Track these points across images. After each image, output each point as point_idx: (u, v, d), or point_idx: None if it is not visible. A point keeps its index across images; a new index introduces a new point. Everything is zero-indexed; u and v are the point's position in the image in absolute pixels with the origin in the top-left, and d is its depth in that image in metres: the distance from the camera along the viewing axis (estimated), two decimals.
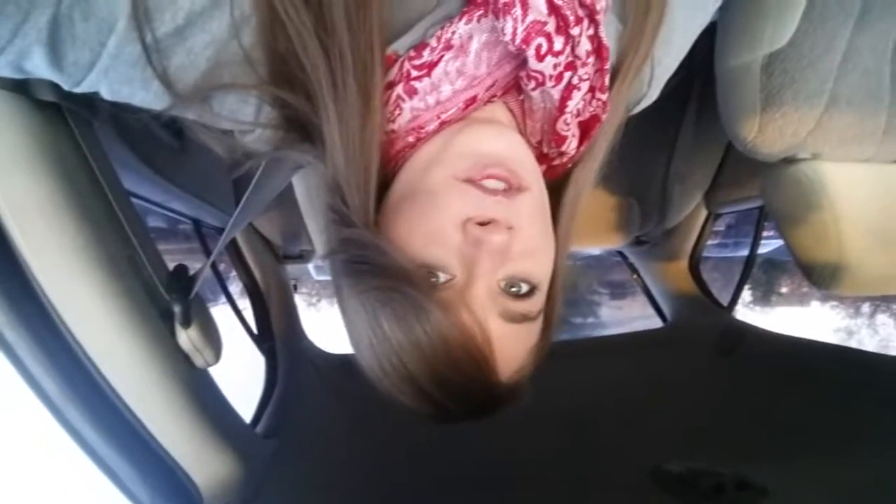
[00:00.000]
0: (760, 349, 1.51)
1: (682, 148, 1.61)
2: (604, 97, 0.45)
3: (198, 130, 0.44)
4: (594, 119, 0.47)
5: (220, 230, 1.63)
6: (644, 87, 0.54)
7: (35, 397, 0.53)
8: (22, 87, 0.49)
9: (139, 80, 0.39)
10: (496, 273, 0.42)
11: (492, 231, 0.40)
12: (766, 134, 0.85)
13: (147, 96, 0.40)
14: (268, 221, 1.73)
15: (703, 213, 1.81)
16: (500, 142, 0.44)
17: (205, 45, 0.39)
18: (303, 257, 2.07)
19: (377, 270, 0.41)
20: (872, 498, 0.84)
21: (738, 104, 0.86)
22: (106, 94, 0.40)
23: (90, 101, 0.62)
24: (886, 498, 0.82)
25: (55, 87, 0.46)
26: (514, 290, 0.44)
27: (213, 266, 1.60)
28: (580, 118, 0.46)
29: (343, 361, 1.80)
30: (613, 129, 0.50)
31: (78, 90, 0.39)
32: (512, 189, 0.42)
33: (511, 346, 0.44)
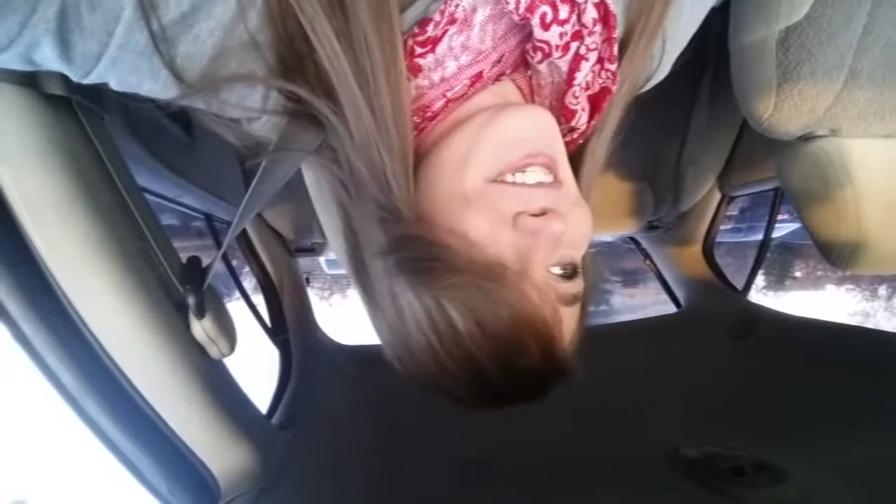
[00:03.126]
0: (776, 332, 1.49)
1: (696, 130, 1.59)
2: (613, 68, 0.44)
3: (207, 120, 0.44)
4: (604, 91, 0.45)
5: (231, 223, 1.64)
6: (655, 61, 0.53)
7: (53, 389, 0.54)
8: (32, 82, 0.49)
9: (147, 69, 0.38)
10: (549, 261, 0.43)
11: (549, 220, 0.40)
12: (782, 111, 0.83)
13: (155, 86, 0.40)
14: (279, 215, 1.74)
15: (717, 197, 1.79)
16: (526, 127, 0.42)
17: (210, 32, 0.38)
18: (314, 250, 2.08)
19: (449, 266, 0.40)
20: (891, 476, 0.83)
21: (753, 82, 0.84)
22: (114, 85, 0.40)
23: (100, 95, 0.62)
24: None
25: (65, 80, 0.46)
26: (563, 272, 0.44)
27: (227, 261, 1.62)
28: (589, 91, 0.45)
29: (356, 353, 1.80)
30: (624, 102, 0.49)
31: (86, 81, 0.39)
32: (555, 180, 0.42)
33: (566, 326, 0.45)
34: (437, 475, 1.03)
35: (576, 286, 0.45)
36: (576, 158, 0.50)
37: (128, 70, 0.38)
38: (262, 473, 0.67)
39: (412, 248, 0.41)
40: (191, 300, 0.60)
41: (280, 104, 0.43)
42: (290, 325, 1.63)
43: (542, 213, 0.40)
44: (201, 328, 0.61)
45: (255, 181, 0.49)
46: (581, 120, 0.47)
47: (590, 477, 0.94)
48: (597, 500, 0.86)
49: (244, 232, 1.66)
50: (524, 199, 0.41)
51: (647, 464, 0.97)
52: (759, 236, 1.78)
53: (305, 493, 0.77)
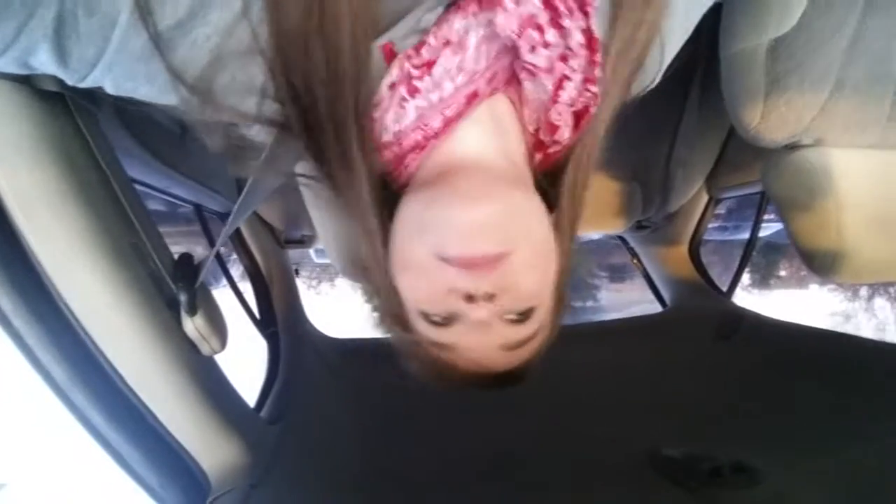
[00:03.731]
0: (757, 334, 1.52)
1: (685, 132, 1.60)
2: (594, 89, 0.45)
3: (199, 124, 0.45)
4: (586, 109, 0.47)
5: (222, 214, 1.63)
6: (654, 67, 0.53)
7: (44, 384, 0.54)
8: (26, 79, 0.49)
9: (143, 74, 0.39)
10: (492, 322, 0.46)
11: (473, 309, 0.44)
12: (770, 120, 0.85)
13: (151, 90, 0.40)
14: (269, 207, 1.73)
15: (705, 198, 1.81)
16: (474, 214, 0.43)
17: (207, 37, 0.38)
18: (304, 242, 2.07)
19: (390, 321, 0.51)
20: (865, 481, 0.86)
21: (742, 89, 0.86)
22: (110, 89, 0.40)
23: (93, 92, 0.62)
24: (879, 481, 0.84)
25: (58, 78, 0.46)
26: (515, 318, 0.47)
27: (217, 253, 1.61)
28: (574, 108, 0.46)
29: (345, 346, 1.81)
30: (609, 115, 0.49)
31: (82, 85, 0.39)
32: (491, 262, 0.43)
33: (514, 360, 0.50)
34: (422, 468, 1.05)
35: (524, 331, 0.48)
36: (560, 167, 0.51)
37: (124, 74, 0.38)
38: (251, 468, 0.68)
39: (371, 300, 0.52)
40: (183, 298, 0.60)
41: (274, 111, 0.44)
42: (278, 318, 1.63)
43: (471, 298, 0.43)
44: (193, 325, 0.62)
45: (247, 186, 0.50)
46: (564, 134, 0.48)
47: (571, 476, 0.96)
48: (578, 500, 0.87)
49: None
50: (458, 280, 0.43)
51: (629, 463, 0.99)
52: (746, 235, 1.81)
53: (295, 487, 0.78)
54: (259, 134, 0.46)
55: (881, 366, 1.14)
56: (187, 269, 0.63)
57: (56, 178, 0.52)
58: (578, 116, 0.47)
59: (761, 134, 0.88)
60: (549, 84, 0.44)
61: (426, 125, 0.46)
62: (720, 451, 0.92)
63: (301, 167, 0.50)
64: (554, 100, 0.45)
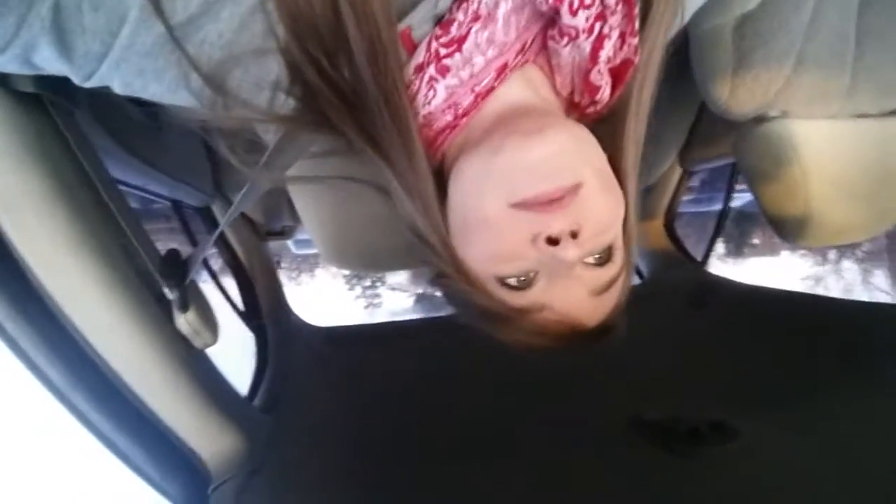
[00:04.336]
0: (732, 300, 1.57)
1: (658, 108, 1.63)
2: (634, 41, 0.44)
3: (205, 126, 0.44)
4: (626, 63, 0.46)
5: (199, 210, 1.62)
6: (679, 19, 0.52)
7: (42, 387, 0.54)
8: (1, 80, 0.48)
9: (151, 71, 0.38)
10: (577, 264, 0.46)
11: (562, 250, 0.42)
12: (738, 95, 0.88)
13: (160, 88, 0.40)
14: None
15: (678, 172, 1.85)
16: (538, 151, 0.42)
17: (218, 35, 0.38)
18: (284, 233, 2.06)
19: (469, 305, 0.49)
20: (829, 429, 0.91)
21: (711, 66, 0.88)
22: (118, 88, 0.39)
23: (69, 90, 0.61)
24: (848, 437, 0.89)
25: (35, 77, 0.45)
26: (599, 259, 0.47)
27: (195, 244, 1.60)
28: (611, 65, 0.46)
29: (331, 334, 1.82)
30: (657, 65, 0.49)
31: (88, 84, 0.39)
32: (568, 194, 0.42)
33: (604, 308, 0.50)
34: (412, 448, 1.07)
35: (608, 272, 0.47)
36: (617, 114, 0.50)
37: (132, 72, 0.38)
38: (249, 456, 0.70)
39: (443, 285, 0.50)
40: (174, 295, 0.61)
41: (287, 105, 0.44)
42: (264, 310, 1.63)
43: (557, 240, 0.42)
44: (185, 321, 0.62)
45: (249, 183, 0.50)
46: (605, 93, 0.48)
47: (555, 443, 0.99)
48: (564, 465, 0.91)
49: (212, 217, 1.65)
50: (538, 224, 0.42)
51: (612, 428, 1.03)
52: (719, 206, 1.86)
53: (292, 472, 0.80)
54: (266, 131, 0.46)
55: (847, 323, 1.20)
56: (175, 266, 0.64)
57: (39, 181, 0.52)
58: (618, 72, 0.46)
59: (730, 108, 0.91)
60: (588, 46, 0.44)
61: (457, 104, 0.46)
62: (698, 413, 0.97)
63: (302, 163, 0.50)
64: (594, 61, 0.45)
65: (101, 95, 0.42)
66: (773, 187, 0.96)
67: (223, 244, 1.66)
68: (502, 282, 0.47)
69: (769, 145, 0.93)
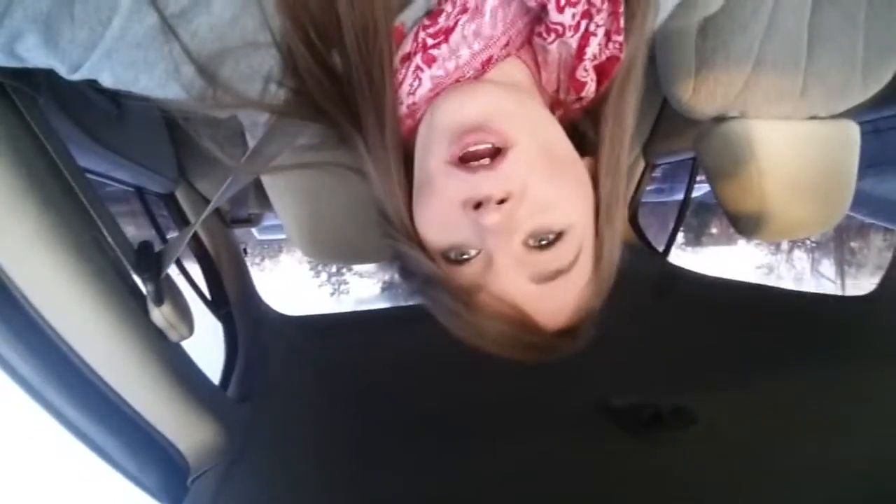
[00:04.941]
0: (693, 290, 1.64)
1: None
2: (620, 38, 0.45)
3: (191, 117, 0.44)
4: (612, 60, 0.46)
5: (163, 196, 1.58)
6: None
7: (13, 383, 0.54)
8: None
9: (142, 63, 0.38)
10: (511, 240, 0.44)
11: (483, 214, 0.41)
12: (700, 94, 0.92)
13: (150, 81, 0.39)
14: (214, 186, 1.68)
15: (642, 165, 1.91)
16: (470, 104, 0.43)
17: (209, 28, 0.38)
18: (251, 220, 2.03)
19: (415, 276, 0.47)
20: (781, 408, 0.98)
21: (675, 66, 0.92)
22: (108, 80, 0.39)
23: (31, 77, 0.59)
24: (795, 416, 0.96)
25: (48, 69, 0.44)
26: (542, 242, 0.44)
27: (160, 232, 1.56)
28: (596, 62, 0.46)
29: (301, 323, 1.82)
30: (641, 62, 0.48)
31: (76, 76, 0.38)
32: (498, 152, 0.42)
33: (551, 303, 0.47)
34: (382, 433, 1.09)
35: (556, 255, 0.45)
36: (595, 115, 0.50)
37: (123, 64, 0.38)
38: (227, 447, 0.70)
39: (403, 260, 0.48)
40: (149, 288, 0.60)
41: (279, 96, 0.44)
42: (231, 298, 1.61)
43: (481, 204, 0.41)
44: (160, 314, 0.62)
45: (229, 181, 0.50)
46: (590, 89, 0.48)
47: (524, 427, 1.03)
48: (531, 450, 0.94)
49: (176, 203, 1.61)
50: (465, 183, 0.42)
51: (578, 413, 1.07)
52: (680, 196, 1.93)
53: (273, 460, 0.81)
54: (255, 125, 0.46)
55: (796, 312, 1.28)
56: (150, 259, 0.63)
57: (7, 172, 0.51)
58: (603, 69, 0.47)
59: (693, 107, 0.94)
60: (574, 42, 0.44)
61: (440, 95, 0.46)
62: (660, 398, 1.02)
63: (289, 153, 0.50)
64: (579, 58, 0.45)
65: (62, 81, 0.41)
66: (731, 184, 1.01)
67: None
68: (444, 256, 0.46)
69: (728, 144, 0.98)
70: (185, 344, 0.74)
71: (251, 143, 0.56)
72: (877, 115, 1.46)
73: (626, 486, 0.84)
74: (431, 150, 0.44)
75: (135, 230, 1.62)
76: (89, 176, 1.06)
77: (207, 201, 1.72)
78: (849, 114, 0.99)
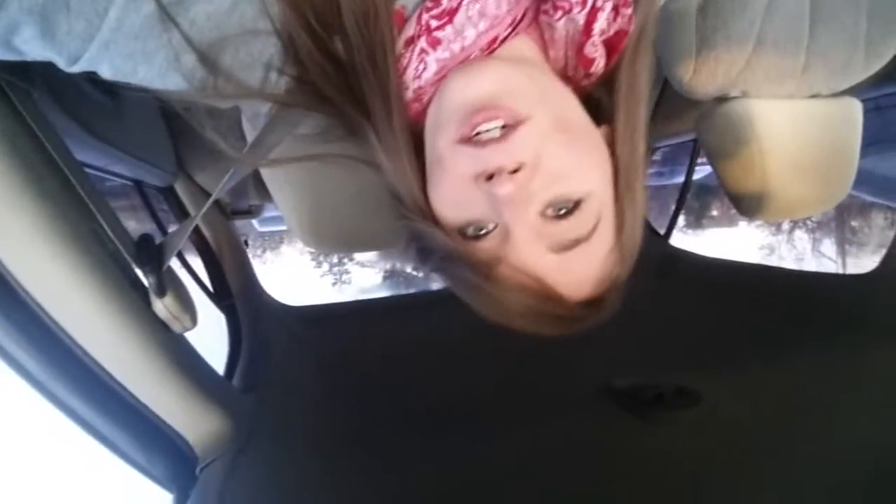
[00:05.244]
0: (694, 272, 1.65)
1: None
2: (628, 11, 0.44)
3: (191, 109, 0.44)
4: (621, 34, 0.45)
5: (163, 190, 1.58)
6: None
7: (21, 379, 0.54)
8: None
9: (141, 53, 0.37)
10: (528, 211, 0.43)
11: (496, 185, 0.40)
12: (700, 75, 0.90)
13: (149, 72, 0.39)
14: (214, 178, 1.68)
15: None
16: (479, 83, 0.42)
17: (207, 16, 0.38)
18: (251, 212, 2.03)
19: (433, 255, 0.46)
20: (781, 389, 0.99)
21: (675, 47, 0.91)
22: (107, 72, 0.38)
23: (26, 71, 0.59)
24: (796, 397, 0.96)
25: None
26: (560, 211, 0.44)
27: (161, 226, 1.56)
28: (605, 36, 0.45)
29: (304, 313, 1.82)
30: (651, 34, 0.47)
31: (75, 69, 0.38)
32: (508, 127, 0.41)
33: (573, 273, 0.46)
34: (387, 422, 1.10)
35: (574, 224, 0.44)
36: (609, 83, 0.48)
37: (121, 55, 0.37)
38: (234, 436, 0.71)
39: (420, 240, 0.47)
40: (151, 280, 0.60)
41: (280, 84, 0.43)
42: (234, 290, 1.62)
43: (493, 176, 0.41)
44: (163, 306, 0.62)
45: (231, 172, 0.50)
46: (599, 65, 0.47)
47: (530, 410, 1.03)
48: (534, 436, 0.95)
49: (176, 197, 1.61)
50: (474, 159, 0.41)
51: (583, 395, 1.08)
52: (680, 179, 1.92)
53: (278, 449, 0.82)
54: (256, 116, 0.46)
55: (797, 292, 1.28)
56: (151, 251, 0.63)
57: (4, 167, 0.51)
58: (613, 43, 0.46)
59: (694, 88, 0.93)
60: (582, 19, 0.44)
61: (446, 77, 0.45)
62: (663, 379, 1.02)
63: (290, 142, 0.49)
64: (587, 34, 0.44)
65: (56, 74, 0.40)
66: (733, 165, 1.00)
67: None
68: (461, 233, 0.45)
69: (730, 124, 0.97)
70: (190, 336, 0.75)
71: (249, 133, 0.56)
72: (878, 92, 1.45)
73: (628, 469, 0.85)
74: (441, 131, 0.43)
75: (136, 224, 1.62)
76: (88, 170, 1.06)
77: (207, 194, 1.72)
78: (850, 91, 0.98)
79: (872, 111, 1.46)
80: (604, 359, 1.23)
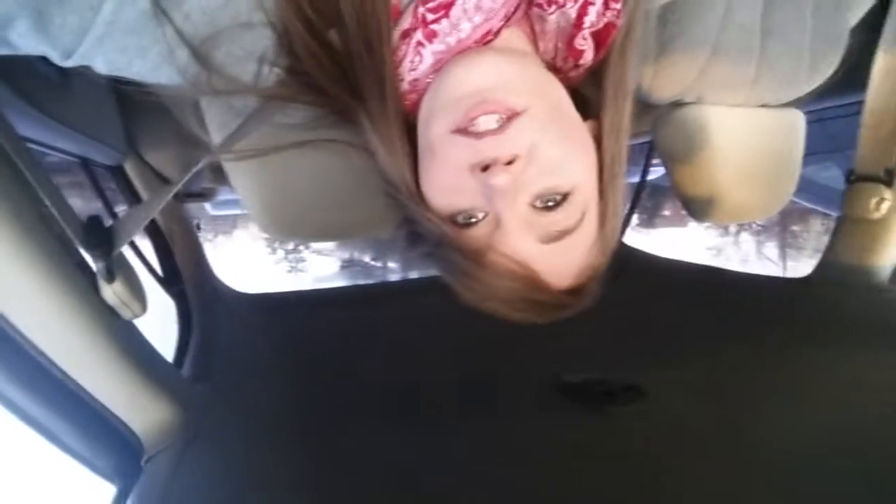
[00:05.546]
0: (644, 271, 1.71)
1: None
2: (618, 6, 0.45)
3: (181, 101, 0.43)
4: (609, 27, 0.46)
5: (111, 168, 1.51)
6: None
7: None
8: None
9: (135, 48, 0.37)
10: (517, 201, 0.44)
11: (491, 175, 0.42)
12: (659, 80, 0.93)
13: (144, 66, 0.38)
14: (166, 160, 1.62)
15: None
16: (476, 74, 0.43)
17: (202, 11, 0.37)
18: (205, 195, 1.97)
19: (424, 240, 0.47)
20: (724, 384, 1.05)
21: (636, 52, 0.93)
22: (101, 67, 0.38)
23: None
24: (735, 382, 1.02)
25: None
26: (548, 203, 0.45)
27: (109, 206, 1.49)
28: (593, 29, 0.46)
29: (258, 300, 1.79)
30: (639, 28, 0.49)
31: (70, 63, 0.37)
32: (504, 119, 0.42)
33: (558, 263, 0.48)
34: (343, 412, 1.09)
35: (562, 216, 0.46)
36: (596, 78, 0.50)
37: (115, 49, 0.37)
38: (182, 427, 0.69)
39: (411, 225, 0.48)
40: (100, 265, 0.58)
41: (273, 82, 0.43)
42: (184, 275, 1.56)
43: (488, 166, 0.42)
44: (112, 292, 0.60)
45: (231, 135, 0.49)
46: (588, 57, 0.48)
47: (482, 404, 1.05)
48: (490, 427, 0.97)
49: (125, 176, 1.54)
50: (471, 149, 0.42)
51: (535, 390, 1.11)
52: (635, 179, 1.98)
53: (228, 439, 0.80)
54: (245, 107, 0.45)
55: (741, 293, 1.35)
56: (100, 234, 0.60)
57: None
58: (601, 36, 0.47)
59: (652, 92, 0.96)
60: (574, 12, 0.45)
61: (441, 70, 0.45)
62: (613, 375, 1.06)
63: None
64: (578, 27, 0.45)
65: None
66: (685, 168, 1.04)
67: (136, 204, 1.56)
68: (452, 220, 0.46)
69: (683, 129, 1.01)
70: (138, 323, 0.72)
71: (207, 111, 0.55)
72: (820, 105, 1.54)
73: (579, 461, 0.88)
74: (437, 120, 0.44)
75: (81, 203, 1.54)
76: (32, 146, 1.00)
77: (158, 175, 1.65)
78: (795, 103, 1.03)
79: (815, 123, 1.54)
80: (558, 354, 1.26)
